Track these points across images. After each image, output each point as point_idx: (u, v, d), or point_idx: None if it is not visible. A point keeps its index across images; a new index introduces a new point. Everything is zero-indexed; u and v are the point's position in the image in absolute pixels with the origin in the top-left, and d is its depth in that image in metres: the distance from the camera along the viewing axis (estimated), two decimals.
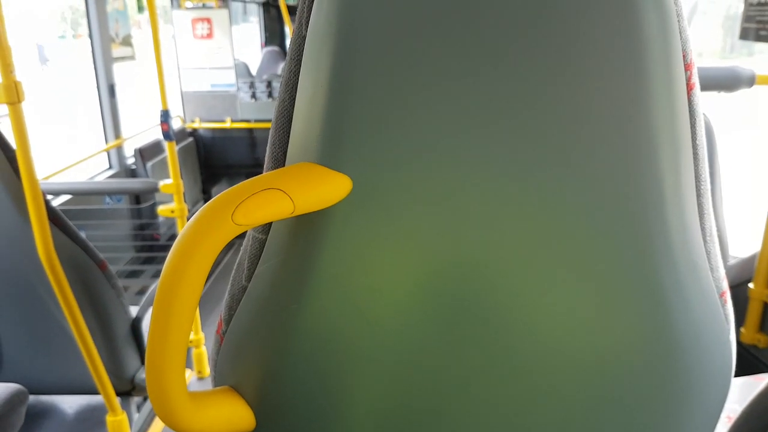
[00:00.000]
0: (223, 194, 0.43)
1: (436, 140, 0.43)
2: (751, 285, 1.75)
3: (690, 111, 0.46)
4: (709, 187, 0.50)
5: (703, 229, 0.49)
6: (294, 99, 0.48)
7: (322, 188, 0.44)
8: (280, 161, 0.50)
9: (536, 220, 0.44)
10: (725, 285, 0.53)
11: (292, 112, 0.48)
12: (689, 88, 0.46)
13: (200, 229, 0.42)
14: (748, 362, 1.72)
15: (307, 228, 0.46)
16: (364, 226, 0.45)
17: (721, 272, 0.52)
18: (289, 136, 0.49)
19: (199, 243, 0.41)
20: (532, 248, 0.45)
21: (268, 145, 0.51)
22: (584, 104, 0.42)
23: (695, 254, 0.48)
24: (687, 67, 0.45)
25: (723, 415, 0.58)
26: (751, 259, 1.79)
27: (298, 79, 0.47)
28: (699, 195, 0.49)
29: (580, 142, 0.43)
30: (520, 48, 0.42)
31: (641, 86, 0.42)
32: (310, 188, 0.43)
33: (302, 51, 0.47)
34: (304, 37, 0.47)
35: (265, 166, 0.52)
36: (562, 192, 0.44)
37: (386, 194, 0.44)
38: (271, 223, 0.50)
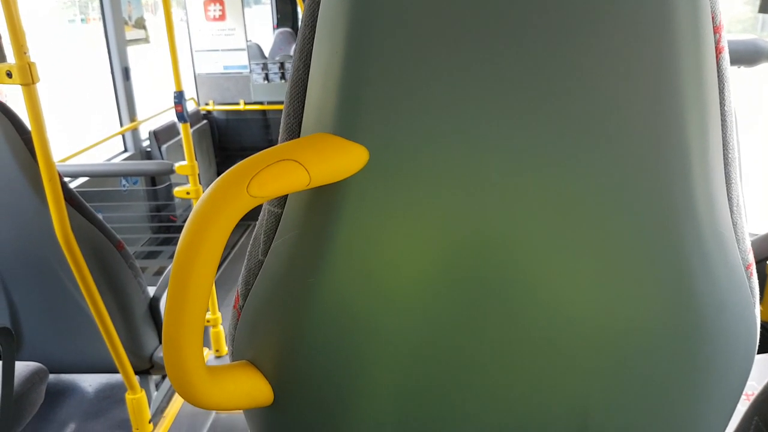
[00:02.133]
0: (237, 166, 0.42)
1: (458, 111, 0.42)
2: None
3: (719, 75, 0.44)
4: (737, 155, 0.48)
5: (730, 199, 0.48)
6: (309, 67, 0.47)
7: (339, 159, 0.43)
8: (294, 132, 0.49)
9: (558, 193, 0.43)
10: (751, 257, 0.52)
11: (307, 81, 0.47)
12: (718, 51, 0.44)
13: (215, 202, 0.41)
14: (766, 340, 1.70)
15: (323, 200, 0.46)
16: (382, 199, 0.44)
17: (747, 244, 0.51)
18: (304, 106, 0.48)
19: (214, 215, 0.41)
20: (554, 222, 0.44)
21: (283, 115, 0.51)
22: (608, 69, 0.41)
23: (721, 225, 0.47)
24: (716, 29, 0.44)
25: None
26: None
27: (312, 46, 0.46)
28: (726, 164, 0.47)
29: (603, 110, 0.42)
30: (545, 11, 0.40)
31: (668, 48, 0.41)
32: (325, 159, 0.43)
33: (317, 16, 0.46)
34: (319, 2, 0.46)
35: (279, 137, 0.51)
36: (584, 164, 0.43)
37: (405, 166, 0.43)
38: (287, 196, 0.50)
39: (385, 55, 0.42)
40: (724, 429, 0.56)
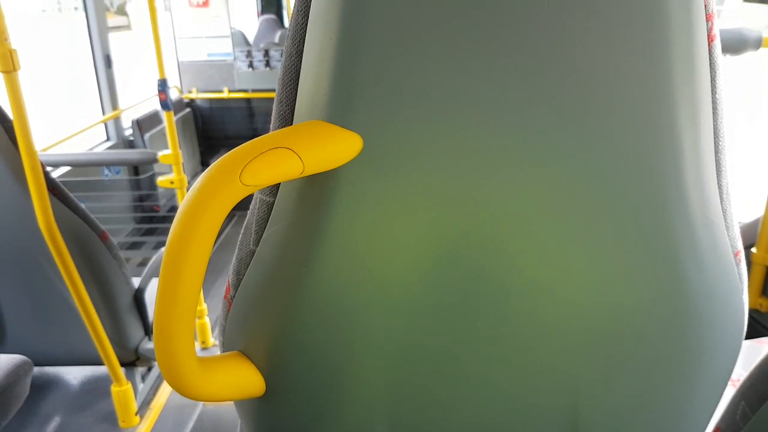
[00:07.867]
0: (230, 154, 0.42)
1: (451, 98, 0.42)
2: (753, 250, 1.76)
3: (710, 63, 0.44)
4: (727, 143, 0.48)
5: (720, 186, 0.48)
6: (302, 53, 0.46)
7: (332, 147, 0.42)
8: (287, 120, 0.49)
9: (551, 181, 0.43)
10: (740, 245, 0.52)
11: (300, 67, 0.47)
12: (710, 39, 0.44)
13: (208, 190, 0.41)
14: (750, 326, 1.73)
15: (316, 189, 0.45)
16: (375, 187, 0.44)
17: (737, 231, 0.51)
18: (296, 93, 0.47)
19: (207, 204, 0.40)
20: (547, 210, 0.44)
21: (275, 102, 0.50)
22: (599, 56, 0.41)
23: (711, 212, 0.47)
24: (708, 17, 0.43)
25: None
26: (754, 224, 1.79)
27: (305, 32, 0.46)
28: (717, 151, 0.47)
29: (596, 96, 0.42)
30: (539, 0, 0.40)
31: (660, 35, 0.41)
32: (319, 147, 0.42)
33: (310, 2, 0.45)
34: None
35: (272, 125, 0.50)
36: (576, 151, 0.43)
37: (398, 153, 0.43)
38: (279, 184, 0.49)
39: (379, 41, 0.41)
40: (711, 415, 0.57)
